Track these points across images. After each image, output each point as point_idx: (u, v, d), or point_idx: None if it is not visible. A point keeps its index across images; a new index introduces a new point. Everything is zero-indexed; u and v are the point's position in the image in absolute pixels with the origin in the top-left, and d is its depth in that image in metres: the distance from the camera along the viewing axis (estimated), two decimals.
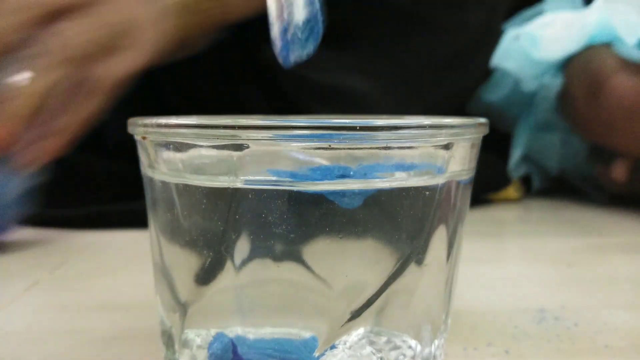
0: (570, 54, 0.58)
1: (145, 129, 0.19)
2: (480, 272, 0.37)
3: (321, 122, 0.17)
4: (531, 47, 0.58)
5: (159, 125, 0.19)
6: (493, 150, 0.64)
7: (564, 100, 0.61)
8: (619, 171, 0.57)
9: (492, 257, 0.42)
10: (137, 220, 0.48)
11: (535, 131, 0.65)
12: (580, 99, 0.59)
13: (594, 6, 0.57)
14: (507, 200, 0.65)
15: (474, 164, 0.21)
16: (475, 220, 0.55)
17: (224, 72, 0.58)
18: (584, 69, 0.57)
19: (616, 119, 0.55)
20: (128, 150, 0.53)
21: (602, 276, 0.37)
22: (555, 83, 0.61)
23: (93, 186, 0.53)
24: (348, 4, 0.63)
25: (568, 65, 0.60)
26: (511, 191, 0.65)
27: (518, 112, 0.65)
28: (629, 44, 0.53)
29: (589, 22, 0.56)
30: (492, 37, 0.62)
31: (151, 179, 0.20)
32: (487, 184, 0.63)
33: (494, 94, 0.64)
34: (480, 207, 0.62)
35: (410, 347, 0.21)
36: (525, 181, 0.68)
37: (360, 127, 0.17)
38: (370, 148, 0.18)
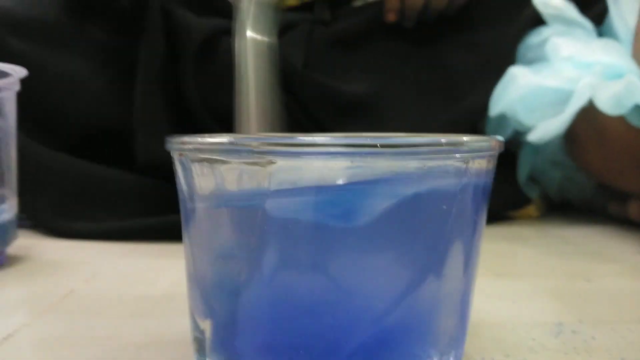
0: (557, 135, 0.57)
1: (182, 147, 0.21)
2: (499, 286, 0.38)
3: (343, 141, 0.19)
4: (523, 114, 0.58)
5: (195, 143, 0.20)
6: (513, 170, 0.65)
7: (571, 144, 0.61)
8: (636, 211, 0.58)
9: (512, 272, 0.42)
10: (166, 233, 0.50)
11: (540, 165, 0.65)
12: (588, 146, 0.59)
13: (580, 85, 0.55)
14: (528, 218, 0.66)
15: (490, 179, 0.22)
16: (496, 236, 0.56)
17: None
18: (589, 117, 0.57)
19: (625, 166, 0.56)
20: (157, 167, 0.55)
21: (620, 291, 0.37)
22: None
23: (124, 200, 0.55)
24: (366, 16, 0.64)
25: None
26: (532, 209, 0.65)
27: (524, 139, 0.65)
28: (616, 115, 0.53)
29: (575, 105, 0.55)
30: (507, 59, 0.63)
31: (186, 193, 0.22)
32: (508, 202, 0.64)
33: (498, 134, 0.63)
34: (501, 223, 0.62)
35: (429, 356, 0.22)
36: (546, 199, 0.68)
37: (380, 145, 0.18)
38: (389, 164, 0.19)
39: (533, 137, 0.57)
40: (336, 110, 0.61)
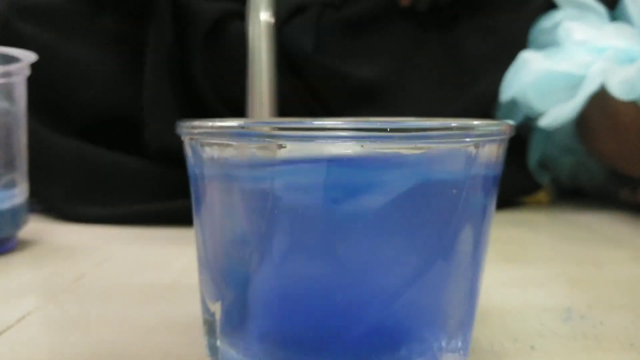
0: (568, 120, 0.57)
1: (193, 131, 0.21)
2: (509, 272, 0.38)
3: (354, 125, 0.19)
4: (534, 99, 0.57)
5: (205, 127, 0.20)
6: (524, 156, 0.65)
7: (583, 130, 0.61)
8: None
9: (521, 258, 0.42)
10: (175, 218, 0.50)
11: (551, 151, 0.65)
12: (600, 132, 0.58)
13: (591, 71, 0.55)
14: (539, 204, 0.65)
15: (500, 164, 0.22)
16: (507, 221, 0.56)
17: None
18: (600, 102, 0.56)
19: (637, 152, 0.55)
20: (166, 152, 0.55)
21: (630, 277, 0.37)
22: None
23: (134, 186, 0.56)
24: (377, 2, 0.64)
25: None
26: (542, 195, 0.65)
27: (535, 125, 0.65)
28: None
29: (587, 90, 0.55)
30: (520, 43, 0.62)
31: (197, 178, 0.22)
32: (519, 188, 0.64)
33: (509, 119, 0.63)
34: (511, 209, 0.62)
35: (437, 339, 0.22)
36: (557, 185, 0.68)
37: (390, 129, 0.18)
38: (399, 148, 0.19)
39: (544, 122, 0.56)
40: (346, 95, 0.61)
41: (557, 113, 0.56)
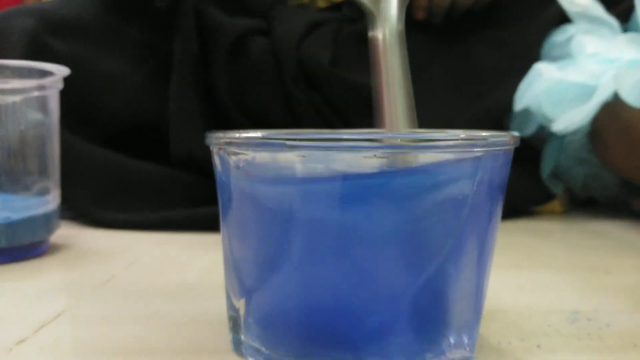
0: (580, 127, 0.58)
1: (221, 141, 0.23)
2: (520, 277, 0.39)
3: (367, 136, 0.20)
4: (548, 107, 0.59)
5: (232, 138, 0.22)
6: (538, 166, 0.66)
7: (595, 141, 0.62)
8: None
9: (533, 264, 0.43)
10: (199, 224, 0.53)
11: (564, 162, 0.66)
12: (611, 142, 0.59)
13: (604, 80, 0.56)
14: (553, 213, 0.66)
15: (505, 173, 0.24)
16: (520, 229, 0.57)
17: (279, 88, 0.62)
18: (613, 115, 0.57)
19: None
20: (190, 161, 0.58)
21: (638, 284, 0.38)
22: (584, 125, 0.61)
23: (159, 193, 0.58)
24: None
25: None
26: (556, 205, 0.66)
27: (549, 134, 0.65)
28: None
29: (600, 96, 0.56)
30: (532, 55, 0.63)
31: (224, 185, 0.24)
32: (533, 198, 0.65)
33: (521, 131, 0.64)
34: (526, 218, 0.63)
35: (445, 337, 0.23)
36: (571, 194, 0.69)
37: (401, 139, 0.20)
38: (409, 158, 0.21)
39: (557, 127, 0.57)
40: (363, 107, 0.62)
41: (571, 118, 0.57)
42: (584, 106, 0.56)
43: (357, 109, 0.63)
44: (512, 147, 0.24)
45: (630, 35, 0.60)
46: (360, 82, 0.63)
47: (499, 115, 0.63)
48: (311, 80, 0.63)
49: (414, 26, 0.67)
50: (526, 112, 0.62)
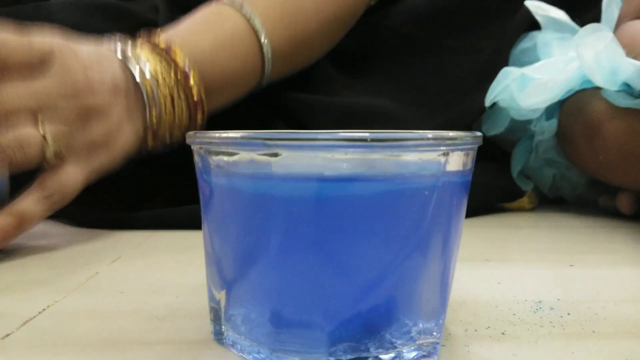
0: (551, 103, 0.61)
1: (201, 140, 0.24)
2: (487, 270, 0.41)
3: (339, 135, 0.22)
4: (517, 93, 0.61)
5: (212, 137, 0.23)
6: (508, 163, 0.68)
7: (563, 142, 0.64)
8: (624, 204, 0.61)
9: (500, 257, 0.45)
10: (182, 222, 0.54)
11: (533, 163, 0.68)
12: (577, 142, 0.61)
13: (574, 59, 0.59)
14: (522, 209, 0.69)
15: (468, 169, 0.25)
16: (489, 225, 0.59)
17: (248, 110, 0.63)
18: (578, 114, 0.60)
19: (613, 161, 0.58)
20: (176, 163, 0.58)
21: (600, 277, 0.40)
22: (551, 125, 0.64)
23: (143, 192, 0.59)
24: (361, 33, 0.67)
25: (562, 108, 0.63)
26: (525, 201, 0.68)
27: (519, 135, 0.68)
28: (611, 90, 0.56)
29: (571, 75, 0.59)
30: (502, 61, 0.66)
31: (204, 182, 0.25)
32: (502, 195, 0.67)
33: (493, 129, 0.67)
34: (495, 214, 0.66)
35: (415, 324, 0.25)
36: (540, 192, 0.71)
37: (370, 139, 0.22)
38: (379, 156, 0.22)
39: (525, 102, 0.59)
40: (329, 122, 0.63)
41: (540, 95, 0.59)
42: (555, 84, 0.58)
43: (327, 124, 0.63)
44: (476, 146, 0.25)
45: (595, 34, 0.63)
46: (330, 99, 0.63)
47: (469, 120, 0.65)
48: (274, 99, 0.64)
49: (382, 42, 0.68)
50: (496, 111, 0.64)
